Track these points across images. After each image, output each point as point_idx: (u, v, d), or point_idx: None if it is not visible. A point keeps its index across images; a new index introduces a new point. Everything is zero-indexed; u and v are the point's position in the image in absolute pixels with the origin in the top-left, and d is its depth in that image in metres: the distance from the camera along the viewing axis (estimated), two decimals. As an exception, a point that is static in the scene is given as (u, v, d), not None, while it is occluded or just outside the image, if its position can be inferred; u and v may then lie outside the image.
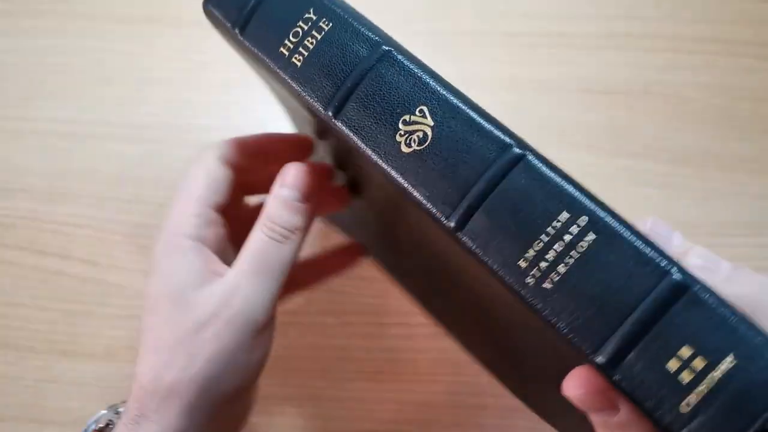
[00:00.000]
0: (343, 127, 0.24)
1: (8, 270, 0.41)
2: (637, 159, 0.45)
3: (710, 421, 0.18)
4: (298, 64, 0.25)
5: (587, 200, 0.20)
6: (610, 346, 0.19)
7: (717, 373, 0.18)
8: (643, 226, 0.21)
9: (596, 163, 0.45)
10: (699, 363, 0.18)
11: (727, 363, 0.18)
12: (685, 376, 0.18)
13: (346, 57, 0.24)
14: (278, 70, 0.25)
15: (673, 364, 0.18)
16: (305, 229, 0.29)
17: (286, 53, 0.25)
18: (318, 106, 0.24)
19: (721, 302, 0.18)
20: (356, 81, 0.24)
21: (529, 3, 0.48)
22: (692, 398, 0.18)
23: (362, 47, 0.24)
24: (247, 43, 0.26)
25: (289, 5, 0.25)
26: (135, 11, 0.46)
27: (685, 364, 0.18)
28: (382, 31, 0.25)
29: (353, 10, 0.25)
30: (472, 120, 0.22)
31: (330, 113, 0.24)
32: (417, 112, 0.23)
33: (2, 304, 0.41)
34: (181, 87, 0.45)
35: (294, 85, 0.25)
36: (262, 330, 0.27)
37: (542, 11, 0.47)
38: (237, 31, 0.26)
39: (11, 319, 0.41)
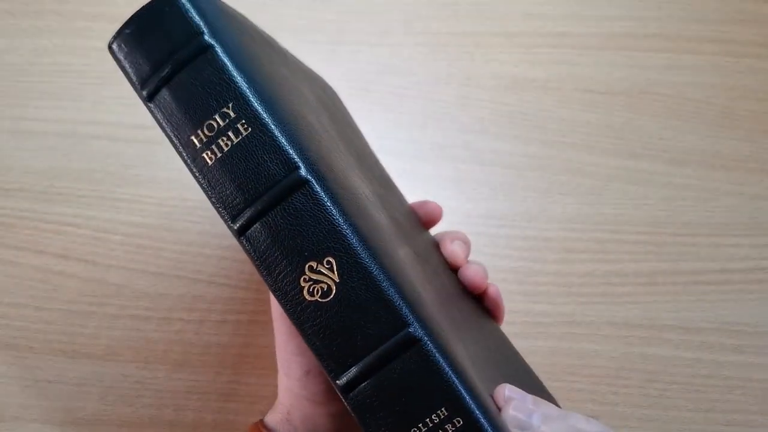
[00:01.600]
0: (249, 249, 0.22)
1: (8, 270, 0.41)
2: (637, 159, 0.45)
3: None
4: (209, 162, 0.22)
5: (469, 400, 0.21)
6: None
7: None
8: (501, 394, 0.23)
9: (596, 163, 0.45)
10: None
11: None
12: None
13: (261, 176, 0.21)
14: (187, 160, 0.22)
15: None
16: None
17: (198, 145, 0.22)
18: (225, 216, 0.22)
19: None
20: (268, 205, 0.21)
21: (529, 3, 0.48)
22: None
23: (279, 168, 0.21)
24: (156, 114, 0.22)
25: (210, 88, 0.21)
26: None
27: None
28: (314, 145, 0.22)
29: (282, 113, 0.22)
30: (378, 288, 0.21)
31: (236, 228, 0.22)
32: (325, 263, 0.21)
33: (2, 304, 0.41)
34: (181, 87, 0.45)
35: (202, 183, 0.22)
36: None
37: (542, 11, 0.47)
38: (145, 95, 0.23)
39: (11, 319, 0.41)
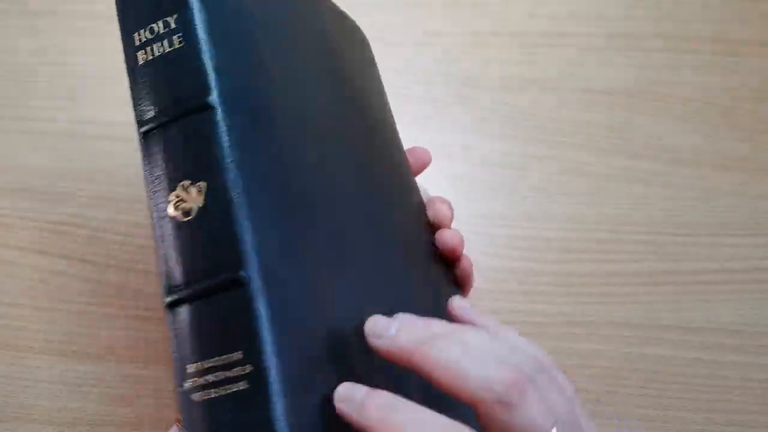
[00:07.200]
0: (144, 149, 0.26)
1: (8, 270, 0.41)
2: (637, 159, 0.45)
3: None
4: (141, 62, 0.24)
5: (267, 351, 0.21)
6: None
7: None
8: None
9: (596, 163, 0.45)
10: None
11: None
12: None
13: (174, 90, 0.24)
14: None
15: None
16: None
17: (137, 46, 0.24)
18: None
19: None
20: (171, 119, 0.25)
21: (529, 3, 0.48)
22: None
23: (192, 86, 0.24)
24: None
25: None
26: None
27: None
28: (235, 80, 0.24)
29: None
30: (233, 221, 0.22)
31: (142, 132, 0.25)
32: (197, 186, 0.23)
33: (2, 304, 0.41)
34: (181, 87, 0.45)
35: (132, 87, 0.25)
36: None
37: (543, 11, 0.47)
38: None
39: (11, 319, 0.41)
